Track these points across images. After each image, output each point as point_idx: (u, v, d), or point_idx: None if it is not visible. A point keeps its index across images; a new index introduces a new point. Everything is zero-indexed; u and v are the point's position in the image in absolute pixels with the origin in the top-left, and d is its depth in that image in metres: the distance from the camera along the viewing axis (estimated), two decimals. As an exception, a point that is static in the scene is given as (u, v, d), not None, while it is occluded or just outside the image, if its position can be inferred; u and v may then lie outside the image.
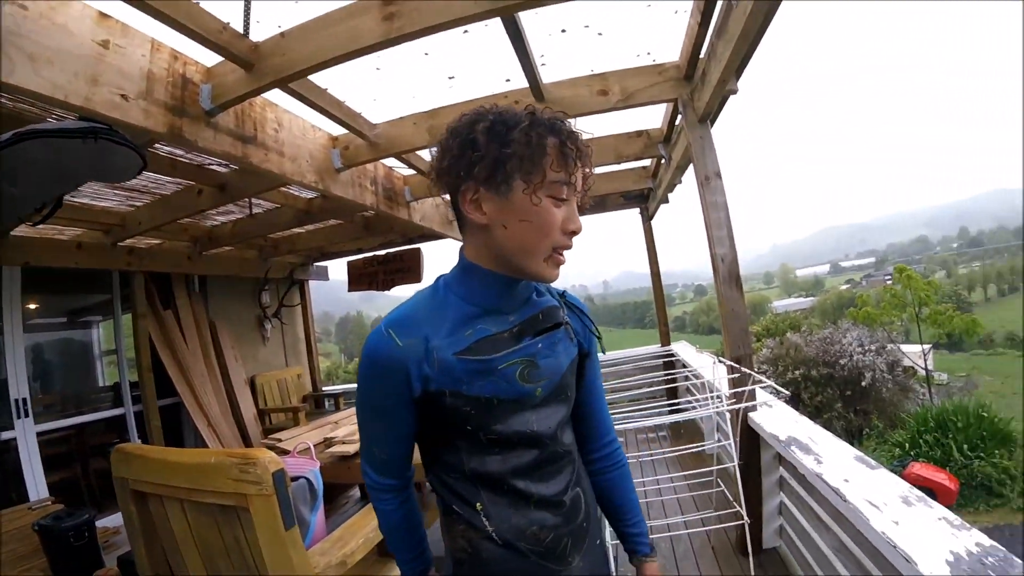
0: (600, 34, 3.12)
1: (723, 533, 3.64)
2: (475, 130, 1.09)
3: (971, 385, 28.36)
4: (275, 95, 3.16)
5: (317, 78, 3.02)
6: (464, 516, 1.18)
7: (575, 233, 1.14)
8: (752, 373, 3.29)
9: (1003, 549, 1.60)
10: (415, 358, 1.11)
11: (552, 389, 1.20)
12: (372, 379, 1.15)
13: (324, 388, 8.70)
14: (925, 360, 21.60)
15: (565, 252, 1.15)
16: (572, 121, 1.14)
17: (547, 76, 3.42)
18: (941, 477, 10.90)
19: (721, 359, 3.68)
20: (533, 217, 1.08)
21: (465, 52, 3.01)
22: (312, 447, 3.42)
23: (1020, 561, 1.54)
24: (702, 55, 3.27)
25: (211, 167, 4.04)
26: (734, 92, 3.20)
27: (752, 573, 3.06)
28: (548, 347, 1.21)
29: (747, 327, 3.48)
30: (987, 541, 1.65)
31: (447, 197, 1.20)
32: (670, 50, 3.47)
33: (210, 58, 2.71)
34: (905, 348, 19.52)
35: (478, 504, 1.17)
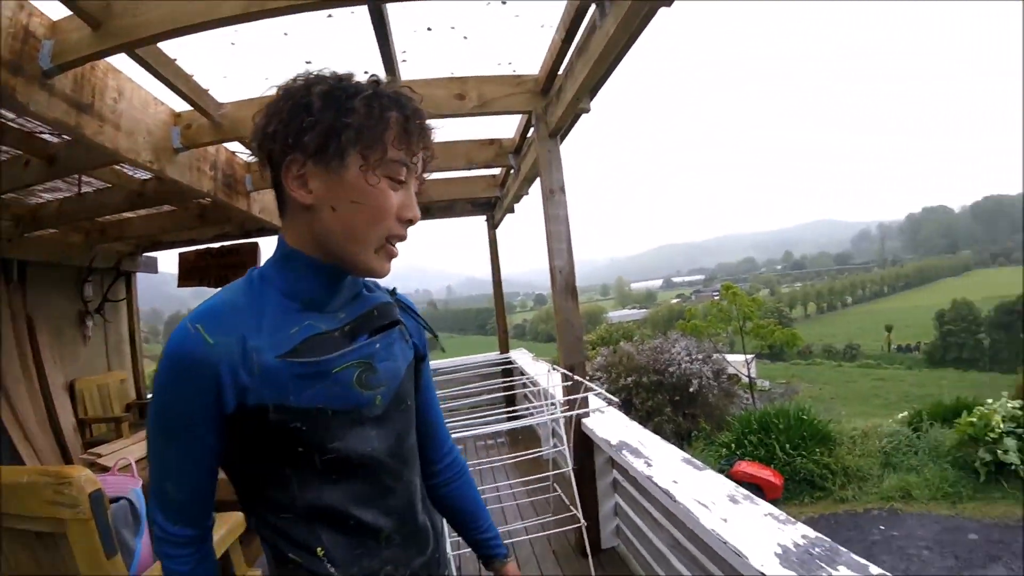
0: (465, 38, 3.12)
1: (563, 536, 3.74)
2: (311, 93, 0.95)
3: (791, 391, 31.28)
4: (119, 61, 2.87)
5: (167, 46, 2.78)
6: (304, 565, 0.98)
7: (412, 222, 1.02)
8: (584, 381, 3.43)
9: (828, 540, 1.74)
10: (229, 361, 0.91)
11: (392, 397, 1.07)
12: (173, 388, 0.92)
13: (149, 395, 8.01)
14: (748, 368, 23.41)
15: (399, 244, 1.03)
16: (417, 98, 1.03)
17: (407, 73, 3.36)
18: (766, 474, 11.89)
19: (556, 367, 3.80)
20: (367, 199, 0.96)
21: (327, 37, 2.88)
22: (134, 463, 3.11)
23: (845, 550, 1.67)
24: (561, 71, 3.35)
25: (41, 135, 3.62)
26: (586, 111, 3.31)
27: (592, 573, 3.15)
28: (385, 348, 1.08)
29: (581, 337, 3.62)
30: (812, 533, 1.78)
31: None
32: (532, 63, 3.54)
33: (57, 11, 2.39)
34: (730, 358, 21.03)
35: (319, 549, 0.98)
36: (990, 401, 13.27)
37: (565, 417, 3.50)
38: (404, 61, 3.23)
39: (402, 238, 1.03)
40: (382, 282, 1.15)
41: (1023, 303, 42.52)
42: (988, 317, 47.57)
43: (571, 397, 3.45)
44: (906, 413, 16.26)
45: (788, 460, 12.73)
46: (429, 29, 3.00)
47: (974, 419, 12.68)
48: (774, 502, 11.45)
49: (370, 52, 2.92)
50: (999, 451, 11.94)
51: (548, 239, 3.55)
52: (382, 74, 1.04)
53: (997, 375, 35.58)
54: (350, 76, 1.00)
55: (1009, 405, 12.75)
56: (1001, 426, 12.22)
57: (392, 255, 1.03)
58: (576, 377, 3.49)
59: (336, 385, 0.98)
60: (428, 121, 1.03)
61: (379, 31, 2.69)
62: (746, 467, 12.03)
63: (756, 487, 11.28)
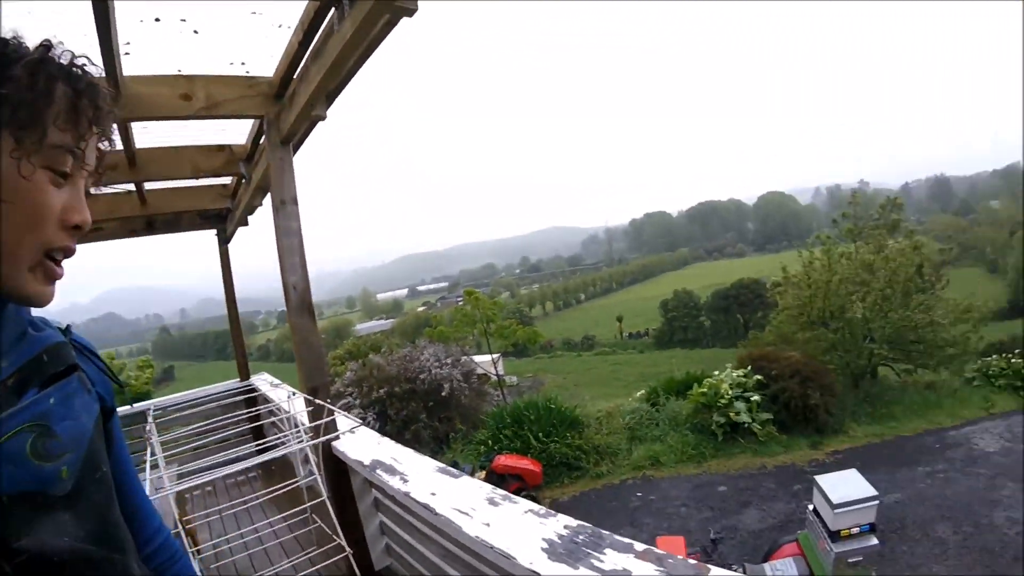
0: (196, 32, 2.78)
1: (332, 567, 3.54)
2: None
3: (538, 383, 33.30)
4: None
5: None
6: None
7: (80, 229, 0.79)
8: (326, 404, 3.30)
9: (590, 526, 1.81)
10: None
11: (81, 466, 0.79)
12: None
13: None
14: (496, 367, 24.44)
15: (66, 261, 0.80)
16: (95, 72, 0.81)
17: (129, 67, 2.94)
18: (525, 463, 12.50)
19: (298, 392, 3.62)
20: (17, 197, 0.71)
21: (40, 24, 2.42)
22: None
23: (608, 533, 1.75)
24: (296, 75, 3.16)
25: None
26: (322, 118, 3.15)
27: (368, 599, 3.03)
28: (63, 404, 0.80)
29: (323, 356, 3.51)
30: (574, 522, 1.85)
31: None
32: (267, 65, 3.28)
33: None
34: (478, 359, 21.86)
35: None
36: (717, 373, 15.46)
37: (314, 443, 3.33)
38: (127, 54, 2.81)
39: (68, 251, 0.79)
40: (50, 316, 0.89)
41: (736, 288, 49.48)
42: (707, 302, 54.49)
43: (317, 422, 3.28)
44: (643, 391, 17.97)
45: (543, 448, 13.64)
46: (158, 20, 2.62)
47: (705, 389, 14.70)
48: (536, 488, 12.16)
49: (90, 40, 2.47)
50: (731, 413, 13.99)
51: (280, 254, 3.37)
52: (101, 67, 0.79)
53: (719, 350, 40.74)
54: (18, 40, 0.75)
55: (735, 374, 15.05)
56: (730, 392, 14.33)
57: (53, 276, 0.78)
58: (318, 400, 3.34)
59: (5, 461, 0.70)
60: (107, 104, 0.81)
61: (100, 16, 2.30)
62: (505, 460, 12.55)
63: (518, 477, 11.86)
